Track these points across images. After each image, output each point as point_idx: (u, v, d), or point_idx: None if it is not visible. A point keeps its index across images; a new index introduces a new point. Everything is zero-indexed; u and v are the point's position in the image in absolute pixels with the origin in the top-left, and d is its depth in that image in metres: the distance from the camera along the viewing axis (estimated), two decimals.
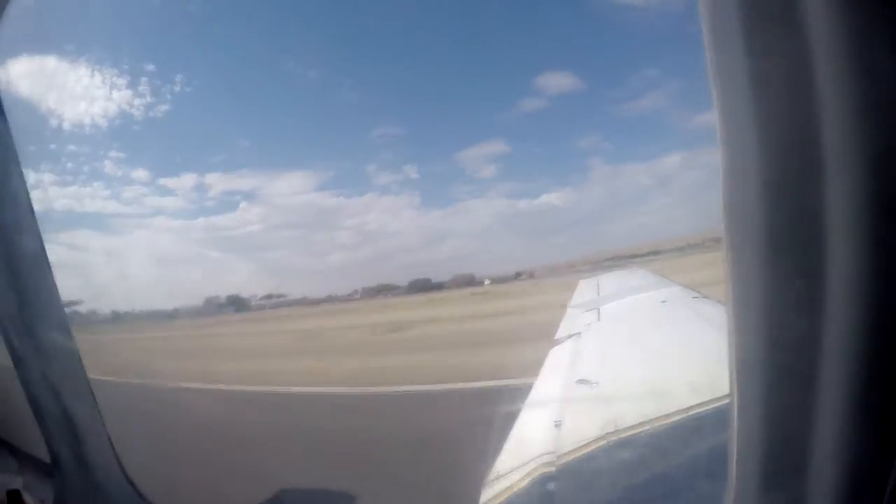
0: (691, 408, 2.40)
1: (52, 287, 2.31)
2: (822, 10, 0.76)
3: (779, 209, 0.86)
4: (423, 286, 18.22)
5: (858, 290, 0.83)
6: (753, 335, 0.93)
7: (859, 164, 0.79)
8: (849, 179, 0.80)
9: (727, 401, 2.30)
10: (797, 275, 0.87)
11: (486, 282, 18.36)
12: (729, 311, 0.96)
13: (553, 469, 2.28)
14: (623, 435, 2.38)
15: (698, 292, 5.35)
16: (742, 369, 0.97)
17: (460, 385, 8.79)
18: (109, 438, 2.37)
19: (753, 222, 0.88)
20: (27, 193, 2.28)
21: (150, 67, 20.59)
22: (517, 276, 18.14)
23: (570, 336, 5.01)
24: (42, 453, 2.43)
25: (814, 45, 0.78)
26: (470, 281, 18.24)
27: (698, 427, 2.25)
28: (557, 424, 2.72)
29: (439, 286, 18.27)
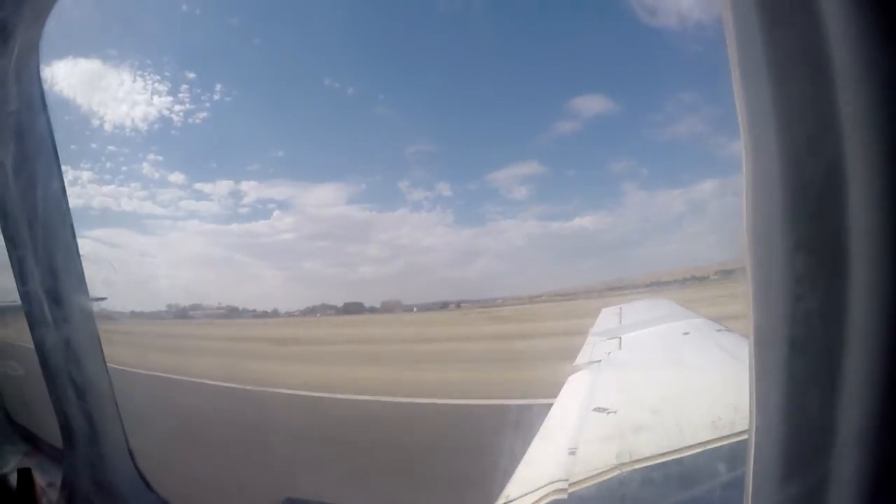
0: (709, 442, 2.36)
1: (80, 277, 2.42)
2: (850, 40, 0.77)
3: (803, 239, 0.86)
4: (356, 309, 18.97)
5: (885, 325, 0.81)
6: (775, 367, 0.92)
7: (890, 197, 0.78)
8: (878, 213, 0.79)
9: (746, 436, 2.26)
10: (821, 306, 0.86)
11: (415, 309, 19.12)
12: (751, 344, 0.95)
13: (565, 496, 2.26)
14: (638, 466, 2.34)
15: (722, 325, 5.25)
16: (761, 403, 0.96)
17: None
18: (123, 428, 2.43)
19: (777, 254, 0.88)
20: (63, 187, 2.40)
21: (192, 75, 21.49)
22: (444, 305, 19.03)
23: (589, 363, 4.96)
24: (54, 438, 2.51)
25: (842, 74, 0.78)
26: (396, 307, 19.16)
27: (715, 462, 2.20)
28: (572, 451, 2.69)
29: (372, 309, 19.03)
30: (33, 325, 2.39)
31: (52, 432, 2.57)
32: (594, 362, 4.95)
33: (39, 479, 2.46)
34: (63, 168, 2.43)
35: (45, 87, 2.38)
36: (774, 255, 0.88)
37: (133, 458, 2.45)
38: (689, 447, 2.38)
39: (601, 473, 2.38)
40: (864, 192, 0.79)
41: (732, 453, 2.17)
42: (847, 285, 0.82)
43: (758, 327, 0.94)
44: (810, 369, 0.88)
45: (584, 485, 2.32)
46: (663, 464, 2.33)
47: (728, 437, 2.31)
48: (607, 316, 8.49)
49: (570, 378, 4.60)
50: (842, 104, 0.79)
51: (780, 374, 0.91)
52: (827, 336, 0.85)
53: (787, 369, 0.90)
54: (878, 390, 0.82)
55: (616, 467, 2.39)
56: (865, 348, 0.82)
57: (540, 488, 2.36)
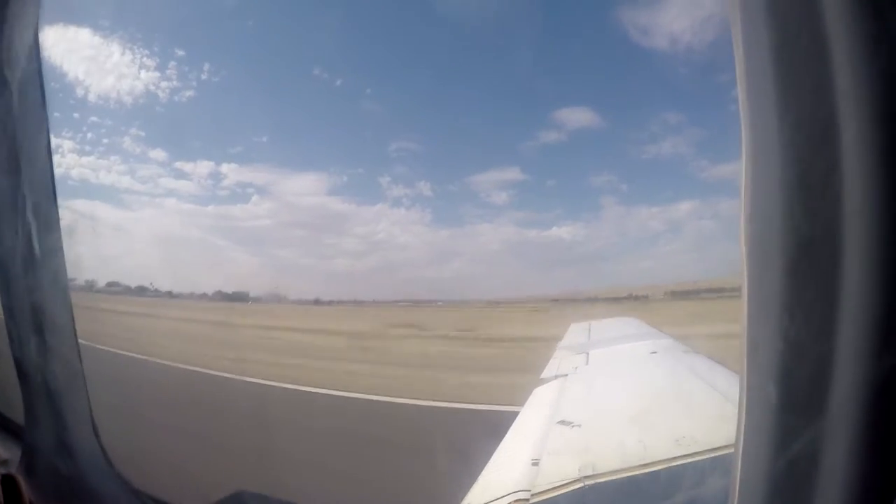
0: (672, 460, 2.37)
1: (58, 248, 2.31)
2: (854, 42, 0.76)
3: (802, 249, 0.84)
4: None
5: (881, 338, 0.79)
6: (767, 377, 0.90)
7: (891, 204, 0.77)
8: (879, 222, 0.78)
9: (708, 455, 2.28)
10: (817, 317, 0.84)
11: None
12: (743, 354, 0.93)
13: None
14: (600, 480, 2.33)
15: (689, 346, 5.34)
16: (752, 416, 0.94)
17: None
18: (90, 406, 2.33)
19: (774, 263, 0.86)
20: (49, 155, 2.31)
21: (181, 53, 21.11)
22: (316, 301, 21.11)
23: (555, 377, 4.97)
24: (16, 412, 2.39)
25: (846, 76, 0.78)
26: (281, 299, 21.20)
27: (677, 479, 2.21)
28: (535, 462, 2.67)
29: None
30: (4, 292, 2.28)
31: (14, 406, 2.45)
32: (560, 376, 4.96)
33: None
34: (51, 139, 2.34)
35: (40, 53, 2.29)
36: (771, 264, 0.87)
37: (97, 436, 2.34)
38: (652, 464, 2.39)
39: (563, 485, 2.36)
40: (865, 199, 0.78)
41: (695, 472, 2.18)
42: (844, 295, 0.80)
43: (751, 338, 0.92)
44: (803, 380, 0.86)
45: (546, 496, 2.30)
46: (625, 479, 2.33)
47: (691, 455, 2.33)
48: (575, 331, 8.57)
49: (536, 390, 4.60)
50: (845, 108, 0.78)
51: (771, 387, 0.89)
52: (821, 348, 0.83)
53: (779, 380, 0.89)
54: (873, 404, 0.80)
55: (578, 480, 2.37)
56: (861, 362, 0.80)
57: (501, 497, 2.34)
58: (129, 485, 2.36)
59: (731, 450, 2.18)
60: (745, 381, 0.94)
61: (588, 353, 5.90)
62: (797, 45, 0.82)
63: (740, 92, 0.89)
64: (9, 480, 2.08)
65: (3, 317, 2.29)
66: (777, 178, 0.85)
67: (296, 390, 10.35)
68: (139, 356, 12.43)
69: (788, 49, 0.83)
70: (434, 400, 9.51)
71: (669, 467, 2.32)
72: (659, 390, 3.94)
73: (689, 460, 2.31)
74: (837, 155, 0.79)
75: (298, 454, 6.45)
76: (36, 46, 2.21)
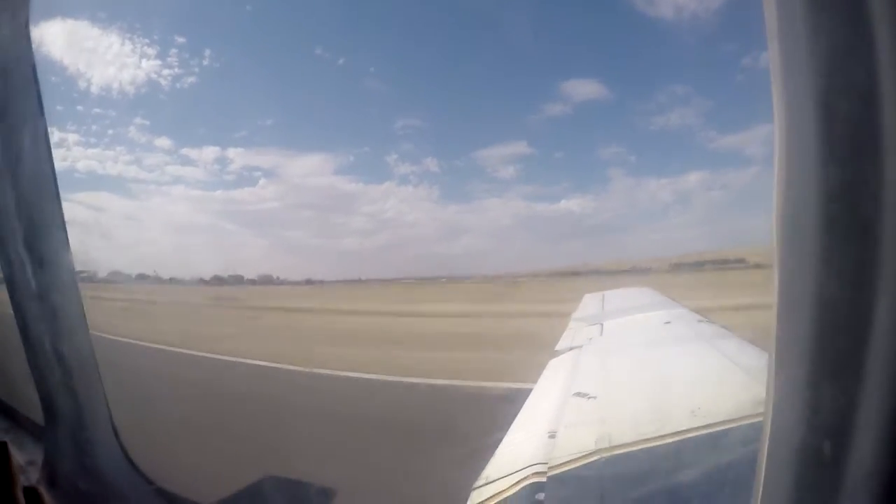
0: (688, 431, 2.39)
1: (65, 242, 2.33)
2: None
3: (835, 233, 0.83)
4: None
5: None
6: (797, 355, 0.89)
7: None
8: None
9: (724, 427, 2.29)
10: (850, 296, 0.83)
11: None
12: (774, 333, 0.93)
13: (544, 479, 2.27)
14: (617, 452, 2.36)
15: (704, 316, 5.32)
16: (780, 392, 0.94)
17: None
18: (107, 401, 2.37)
19: (807, 240, 0.86)
20: (49, 148, 2.30)
21: (182, 39, 20.91)
22: (308, 282, 22.30)
23: (570, 348, 4.99)
24: (35, 413, 2.43)
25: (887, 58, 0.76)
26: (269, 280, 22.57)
27: (694, 451, 2.23)
28: (552, 435, 2.71)
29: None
30: (13, 292, 2.29)
31: (32, 407, 2.48)
32: (575, 347, 4.98)
33: (18, 457, 2.37)
34: (50, 130, 2.34)
35: (34, 46, 2.26)
36: (804, 243, 0.86)
37: (117, 435, 2.38)
38: (668, 435, 2.41)
39: (580, 458, 2.39)
40: None
41: (711, 442, 2.20)
42: (880, 266, 0.79)
43: (782, 316, 0.92)
44: (834, 360, 0.86)
45: (564, 468, 2.33)
46: (642, 451, 2.36)
47: (707, 426, 2.34)
48: (589, 302, 8.56)
49: (551, 363, 4.63)
50: (886, 88, 0.76)
51: (802, 364, 0.89)
52: (855, 320, 0.83)
53: (809, 359, 0.88)
54: None
55: (595, 452, 2.40)
56: (891, 342, 0.80)
57: (519, 470, 2.37)
58: (149, 481, 2.41)
59: (747, 421, 2.19)
60: (775, 352, 0.93)
61: (602, 325, 5.91)
62: (835, 23, 0.80)
63: (773, 76, 0.86)
64: (31, 493, 2.13)
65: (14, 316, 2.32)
66: (812, 153, 0.83)
67: None
68: (140, 343, 12.85)
69: (825, 26, 0.80)
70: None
71: (686, 439, 2.34)
72: (674, 361, 3.95)
73: (705, 431, 2.32)
74: (876, 132, 0.77)
75: None
76: (27, 41, 2.16)
